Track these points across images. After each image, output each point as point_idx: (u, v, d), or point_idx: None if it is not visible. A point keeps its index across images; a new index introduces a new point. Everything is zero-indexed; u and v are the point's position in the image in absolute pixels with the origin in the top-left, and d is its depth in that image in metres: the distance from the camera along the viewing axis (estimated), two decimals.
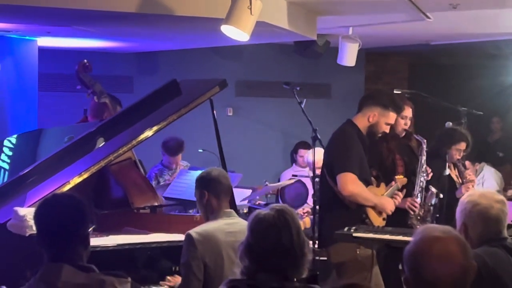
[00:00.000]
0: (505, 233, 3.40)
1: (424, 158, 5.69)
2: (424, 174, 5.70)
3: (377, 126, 5.25)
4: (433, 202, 5.70)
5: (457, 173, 6.20)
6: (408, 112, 5.74)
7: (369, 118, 5.23)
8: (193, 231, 4.11)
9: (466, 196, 3.47)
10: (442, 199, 5.77)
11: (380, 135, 5.34)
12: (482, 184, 7.92)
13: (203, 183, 4.28)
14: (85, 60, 5.53)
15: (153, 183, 7.06)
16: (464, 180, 6.13)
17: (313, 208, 6.06)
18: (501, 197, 3.43)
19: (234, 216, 4.29)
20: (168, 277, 4.42)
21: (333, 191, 5.10)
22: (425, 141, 5.74)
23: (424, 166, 5.70)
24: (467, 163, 6.50)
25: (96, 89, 5.51)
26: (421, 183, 5.66)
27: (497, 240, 3.35)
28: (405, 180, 5.49)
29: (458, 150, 6.09)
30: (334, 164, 5.10)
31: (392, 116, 5.28)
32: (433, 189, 5.71)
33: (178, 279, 4.32)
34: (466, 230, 3.35)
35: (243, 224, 4.02)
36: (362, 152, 5.17)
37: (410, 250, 2.43)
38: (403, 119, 5.70)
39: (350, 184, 4.99)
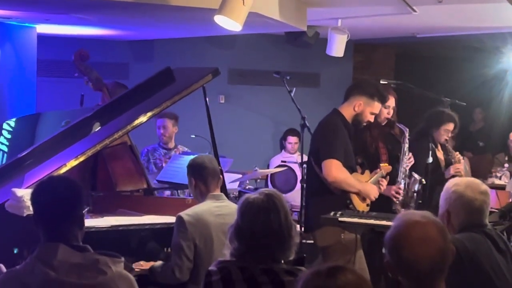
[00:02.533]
0: (486, 221, 3.46)
1: (406, 145, 5.70)
2: (407, 161, 5.74)
3: (362, 115, 5.26)
4: (416, 188, 5.73)
5: (443, 154, 6.21)
6: (391, 101, 5.76)
7: (355, 107, 5.25)
8: (184, 213, 4.23)
9: (452, 184, 3.48)
10: (425, 184, 5.79)
11: (364, 124, 5.36)
12: None
13: (190, 170, 4.44)
14: (82, 49, 5.61)
15: (144, 159, 7.03)
16: (453, 160, 6.14)
17: (301, 193, 6.15)
18: (485, 187, 3.48)
19: (224, 199, 4.40)
20: (141, 262, 4.46)
21: (318, 178, 5.12)
22: (407, 129, 5.75)
23: (407, 153, 5.72)
24: None
25: (92, 76, 5.61)
26: (404, 170, 5.69)
27: (478, 227, 3.41)
28: (389, 167, 5.52)
29: (446, 130, 6.11)
30: (320, 151, 5.11)
31: (377, 106, 5.31)
32: (416, 176, 5.74)
33: (149, 264, 4.41)
34: (449, 217, 3.41)
35: (232, 207, 4.18)
36: (348, 140, 5.19)
37: (391, 234, 2.49)
38: (386, 109, 5.72)
39: (334, 170, 5.01)
